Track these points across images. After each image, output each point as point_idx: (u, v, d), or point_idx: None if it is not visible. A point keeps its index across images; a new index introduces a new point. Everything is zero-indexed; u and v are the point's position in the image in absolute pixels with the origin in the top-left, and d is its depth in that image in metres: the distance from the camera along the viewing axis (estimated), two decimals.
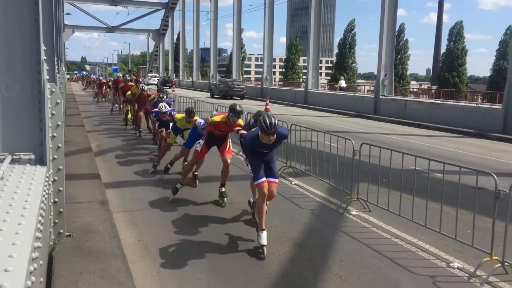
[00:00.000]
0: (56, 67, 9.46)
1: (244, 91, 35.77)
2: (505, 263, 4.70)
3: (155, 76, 66.39)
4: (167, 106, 9.99)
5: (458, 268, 4.87)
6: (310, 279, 4.56)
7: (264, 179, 5.45)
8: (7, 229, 2.39)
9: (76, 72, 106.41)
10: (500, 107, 17.57)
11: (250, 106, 26.79)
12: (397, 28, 29.49)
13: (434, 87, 48.63)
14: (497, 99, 24.80)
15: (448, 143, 14.70)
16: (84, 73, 56.11)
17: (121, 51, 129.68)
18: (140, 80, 23.36)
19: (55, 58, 9.20)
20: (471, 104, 21.51)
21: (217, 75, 51.58)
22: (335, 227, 6.10)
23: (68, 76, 53.59)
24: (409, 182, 6.26)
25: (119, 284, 3.62)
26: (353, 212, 6.72)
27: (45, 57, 4.11)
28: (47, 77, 4.09)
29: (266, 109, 23.94)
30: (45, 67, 4.00)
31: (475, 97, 32.19)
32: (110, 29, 69.70)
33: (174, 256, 5.01)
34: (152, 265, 4.73)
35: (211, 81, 46.88)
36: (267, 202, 5.70)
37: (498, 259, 4.71)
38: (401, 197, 6.10)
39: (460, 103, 22.54)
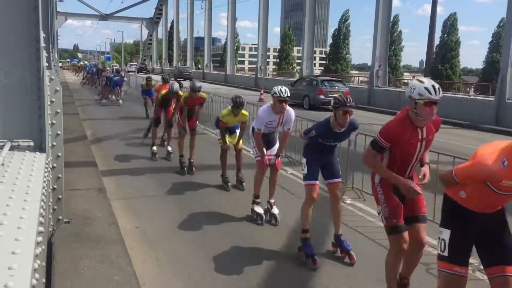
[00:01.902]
0: (51, 55, 9.41)
1: (191, 74, 47.34)
2: None
3: (131, 65, 75.24)
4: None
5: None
6: (307, 267, 4.63)
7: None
8: (12, 213, 2.42)
9: (68, 60, 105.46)
10: (493, 99, 17.73)
11: (246, 96, 26.75)
12: (391, 19, 29.52)
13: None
14: (489, 91, 24.96)
15: (441, 134, 14.69)
16: (87, 63, 48.98)
17: (114, 40, 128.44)
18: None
19: (50, 46, 9.16)
20: (464, 96, 21.67)
21: (211, 65, 51.45)
22: (331, 216, 6.17)
23: (60, 64, 53.15)
24: None
25: (119, 269, 3.66)
26: (348, 201, 6.80)
27: (44, 45, 4.11)
28: (46, 64, 4.09)
29: (260, 99, 23.94)
30: (44, 54, 4.00)
31: (468, 89, 32.34)
32: (103, 17, 69.20)
33: (172, 242, 5.07)
34: (151, 251, 4.79)
35: (205, 70, 47.04)
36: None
37: None
38: None
39: (453, 95, 22.69)
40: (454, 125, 17.26)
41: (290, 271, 4.54)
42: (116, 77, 21.03)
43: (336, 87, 22.13)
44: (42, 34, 3.98)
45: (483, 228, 2.85)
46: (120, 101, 20.56)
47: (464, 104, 18.80)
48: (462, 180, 2.85)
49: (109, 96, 21.70)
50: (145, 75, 17.71)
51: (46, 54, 4.27)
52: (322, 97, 21.10)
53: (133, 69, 64.09)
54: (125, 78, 22.82)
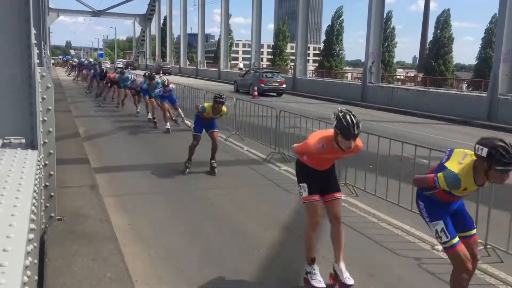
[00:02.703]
0: (43, 52, 9.36)
1: (170, 69, 53.83)
2: (488, 246, 4.85)
3: (119, 61, 79.97)
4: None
5: (442, 250, 5.00)
6: (299, 261, 4.65)
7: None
8: (3, 210, 2.41)
9: (60, 57, 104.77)
10: (485, 95, 17.83)
11: (240, 94, 26.76)
12: (384, 16, 29.58)
13: (421, 75, 48.94)
14: (482, 87, 25.10)
15: (434, 130, 14.91)
16: (86, 60, 47.25)
17: (107, 36, 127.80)
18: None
19: (42, 42, 9.12)
20: (457, 92, 21.79)
21: (204, 61, 51.31)
22: (323, 211, 6.19)
23: (52, 61, 52.89)
24: (395, 168, 6.39)
25: (112, 266, 3.66)
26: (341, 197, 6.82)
27: (35, 41, 4.08)
28: (37, 61, 4.07)
29: (254, 96, 23.95)
30: (35, 51, 3.98)
31: (461, 85, 32.52)
32: (96, 13, 68.81)
33: (165, 239, 5.07)
34: (144, 248, 4.79)
35: (198, 67, 46.99)
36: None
37: (481, 242, 4.86)
38: (388, 182, 6.23)
39: (446, 91, 22.81)
40: (447, 121, 17.35)
41: (283, 266, 4.56)
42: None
43: (274, 77, 27.70)
44: (33, 31, 3.96)
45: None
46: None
47: (456, 100, 18.89)
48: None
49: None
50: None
51: (38, 51, 4.25)
52: (262, 85, 26.56)
53: (121, 66, 64.60)
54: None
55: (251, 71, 30.04)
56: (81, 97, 22.37)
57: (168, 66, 56.43)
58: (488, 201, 4.92)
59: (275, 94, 27.40)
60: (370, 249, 4.97)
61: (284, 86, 27.64)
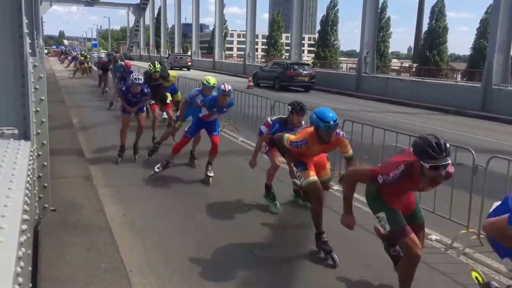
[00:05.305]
0: (36, 41, 9.28)
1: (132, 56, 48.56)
2: (481, 235, 4.88)
3: (103, 52, 76.77)
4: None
5: (436, 240, 5.04)
6: (295, 252, 4.68)
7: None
8: None
9: (53, 47, 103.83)
10: (479, 85, 17.87)
11: (234, 83, 26.67)
12: (379, 6, 29.51)
13: (415, 65, 48.94)
14: (476, 78, 25.15)
15: (428, 120, 14.95)
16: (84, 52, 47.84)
17: (101, 26, 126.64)
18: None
19: (34, 32, 9.02)
20: (451, 82, 21.82)
21: (199, 51, 51.04)
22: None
23: (45, 51, 52.36)
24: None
25: (106, 257, 3.67)
26: (336, 188, 6.83)
27: (27, 31, 4.04)
28: (30, 51, 4.03)
29: (248, 86, 23.87)
30: (27, 40, 3.94)
31: (455, 76, 32.55)
32: (89, 3, 68.25)
33: (160, 230, 5.07)
34: (138, 239, 4.79)
35: (192, 57, 46.87)
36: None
37: (474, 231, 4.90)
38: None
39: (440, 81, 22.85)
40: (441, 111, 17.39)
41: (277, 256, 4.57)
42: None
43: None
44: (25, 20, 3.92)
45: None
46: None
47: (450, 90, 18.93)
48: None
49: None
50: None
51: (30, 41, 4.21)
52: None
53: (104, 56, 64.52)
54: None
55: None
56: (74, 87, 22.19)
57: (131, 54, 51.57)
58: (481, 191, 4.95)
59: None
60: (365, 239, 5.00)
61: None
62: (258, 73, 27.39)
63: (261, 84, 25.84)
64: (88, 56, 33.15)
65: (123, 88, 8.27)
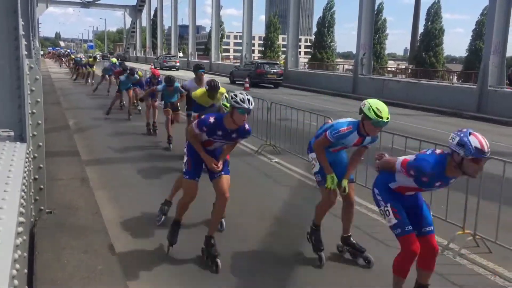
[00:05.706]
0: (32, 43, 9.25)
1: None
2: (477, 236, 4.90)
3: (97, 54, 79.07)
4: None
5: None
6: (290, 252, 4.68)
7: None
8: None
9: (49, 48, 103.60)
10: (475, 87, 17.93)
11: (230, 86, 26.68)
12: (376, 7, 29.59)
13: (411, 66, 49.07)
14: (472, 79, 25.23)
15: (424, 121, 14.99)
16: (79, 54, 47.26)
17: (97, 28, 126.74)
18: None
19: (30, 34, 8.98)
20: (447, 84, 21.88)
21: (195, 53, 51.05)
22: (314, 203, 6.21)
23: (42, 53, 52.12)
24: None
25: (103, 259, 3.66)
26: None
27: (23, 32, 4.04)
28: (26, 52, 4.03)
29: (245, 88, 23.89)
30: (23, 42, 3.94)
31: (451, 77, 32.64)
32: (86, 4, 68.12)
33: (156, 231, 5.06)
34: (134, 241, 4.77)
35: (189, 58, 46.99)
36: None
37: (470, 233, 4.91)
38: None
39: (436, 83, 22.91)
40: (437, 112, 17.45)
41: (274, 256, 4.57)
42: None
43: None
44: (21, 22, 3.91)
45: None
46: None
47: (446, 92, 18.99)
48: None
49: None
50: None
51: (26, 42, 4.20)
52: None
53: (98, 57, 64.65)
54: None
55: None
56: (70, 88, 22.13)
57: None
58: (477, 192, 4.97)
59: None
60: (361, 239, 4.99)
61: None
62: (234, 71, 30.62)
63: (236, 82, 28.84)
64: (97, 57, 30.58)
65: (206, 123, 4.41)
